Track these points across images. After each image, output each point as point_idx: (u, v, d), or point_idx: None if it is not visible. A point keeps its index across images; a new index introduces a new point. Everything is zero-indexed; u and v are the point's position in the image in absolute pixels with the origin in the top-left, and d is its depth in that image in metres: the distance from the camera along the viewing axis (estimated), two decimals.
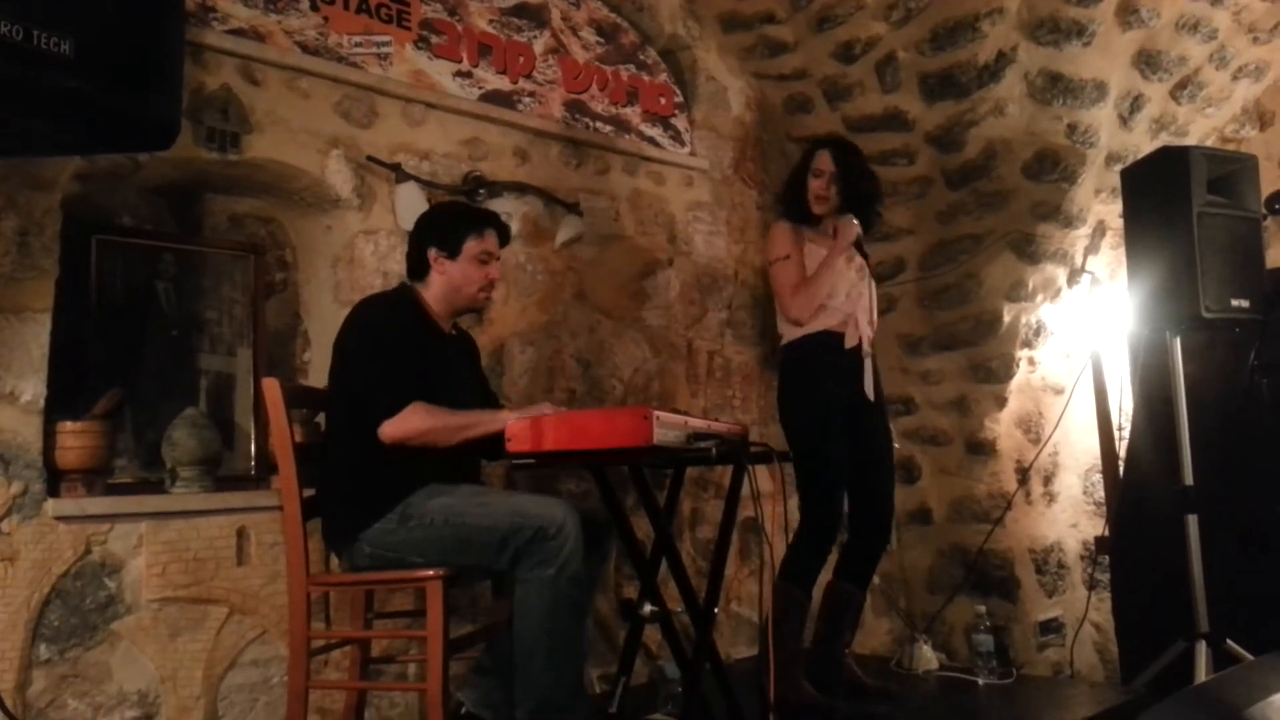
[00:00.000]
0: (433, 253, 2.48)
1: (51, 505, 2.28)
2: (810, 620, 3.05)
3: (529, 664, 2.16)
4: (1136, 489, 3.59)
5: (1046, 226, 3.74)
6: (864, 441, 3.02)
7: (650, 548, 2.59)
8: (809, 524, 2.95)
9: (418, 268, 2.52)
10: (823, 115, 3.90)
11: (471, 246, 2.48)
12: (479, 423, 2.31)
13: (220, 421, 2.68)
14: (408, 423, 2.26)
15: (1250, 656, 2.77)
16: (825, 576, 3.08)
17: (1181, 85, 3.64)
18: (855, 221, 2.99)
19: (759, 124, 4.04)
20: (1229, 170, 3.06)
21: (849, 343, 2.99)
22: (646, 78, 3.72)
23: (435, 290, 2.50)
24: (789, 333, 3.06)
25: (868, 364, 3.02)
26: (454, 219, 2.56)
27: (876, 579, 4.05)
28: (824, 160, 3.05)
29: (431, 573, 2.14)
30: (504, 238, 2.59)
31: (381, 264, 2.91)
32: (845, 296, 3.01)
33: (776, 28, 3.73)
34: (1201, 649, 2.89)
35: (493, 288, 2.57)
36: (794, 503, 3.07)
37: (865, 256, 3.04)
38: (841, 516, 3.01)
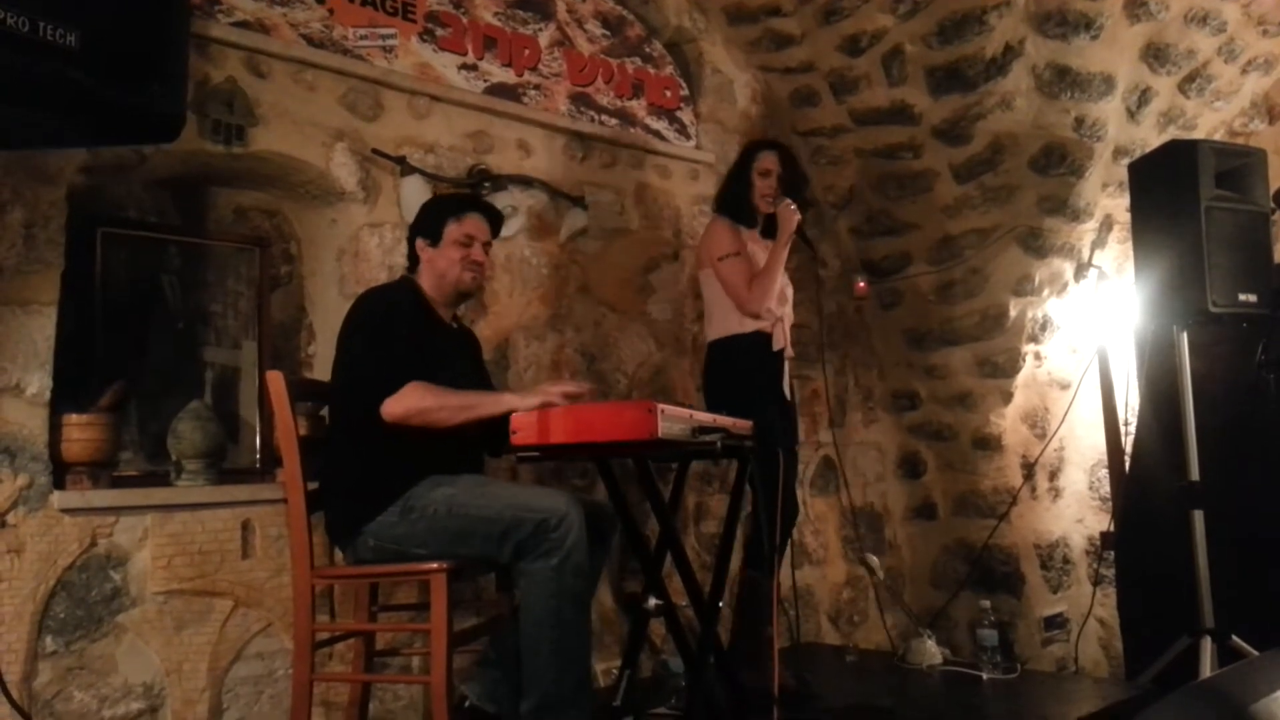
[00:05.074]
0: (419, 243, 2.50)
1: (57, 497, 2.28)
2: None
3: (534, 657, 2.16)
4: (1142, 484, 3.58)
5: (1053, 221, 3.73)
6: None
7: (655, 542, 2.59)
8: (770, 514, 2.82)
9: (412, 260, 2.55)
10: (829, 108, 3.89)
11: (451, 230, 2.47)
12: (480, 404, 2.28)
13: (225, 414, 2.68)
14: (407, 400, 2.22)
15: (1255, 652, 2.76)
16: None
17: (1190, 78, 3.62)
18: (794, 206, 3.05)
19: (765, 117, 4.03)
20: (1237, 164, 3.05)
21: (776, 345, 3.07)
22: (652, 70, 3.71)
23: (427, 280, 2.51)
24: (719, 330, 3.11)
25: (787, 367, 3.12)
26: (436, 206, 2.58)
27: (881, 574, 4.06)
28: (771, 160, 3.14)
29: (435, 566, 2.14)
30: (493, 222, 2.57)
31: (386, 257, 2.91)
32: (776, 299, 3.07)
33: (783, 20, 3.72)
34: (1206, 645, 2.89)
35: (480, 269, 2.52)
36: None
37: (809, 243, 3.14)
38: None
